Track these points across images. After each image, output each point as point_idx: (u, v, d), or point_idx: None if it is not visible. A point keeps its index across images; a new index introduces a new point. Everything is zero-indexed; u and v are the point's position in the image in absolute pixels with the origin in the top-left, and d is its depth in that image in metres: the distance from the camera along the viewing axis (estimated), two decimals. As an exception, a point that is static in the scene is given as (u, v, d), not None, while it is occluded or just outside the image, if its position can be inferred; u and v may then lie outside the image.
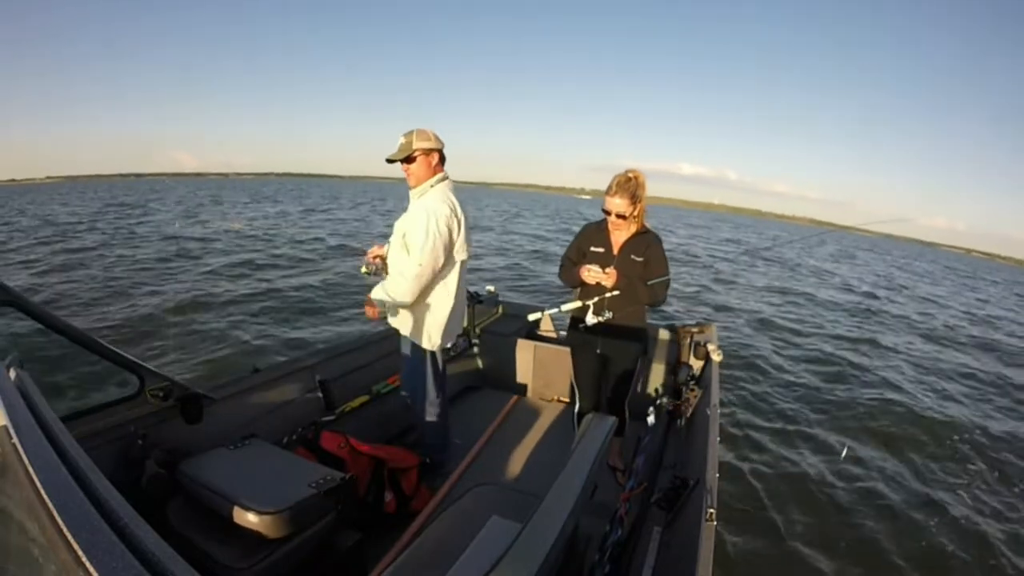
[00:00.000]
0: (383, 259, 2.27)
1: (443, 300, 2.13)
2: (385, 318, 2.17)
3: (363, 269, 2.28)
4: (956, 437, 4.35)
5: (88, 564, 0.49)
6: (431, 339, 2.16)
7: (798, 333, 7.63)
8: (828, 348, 6.92)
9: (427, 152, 2.04)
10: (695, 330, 3.14)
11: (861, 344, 7.37)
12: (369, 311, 2.13)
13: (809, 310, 9.70)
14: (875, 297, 12.72)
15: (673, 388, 2.68)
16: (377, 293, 2.09)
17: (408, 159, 2.03)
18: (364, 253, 2.29)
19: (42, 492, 0.58)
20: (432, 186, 2.08)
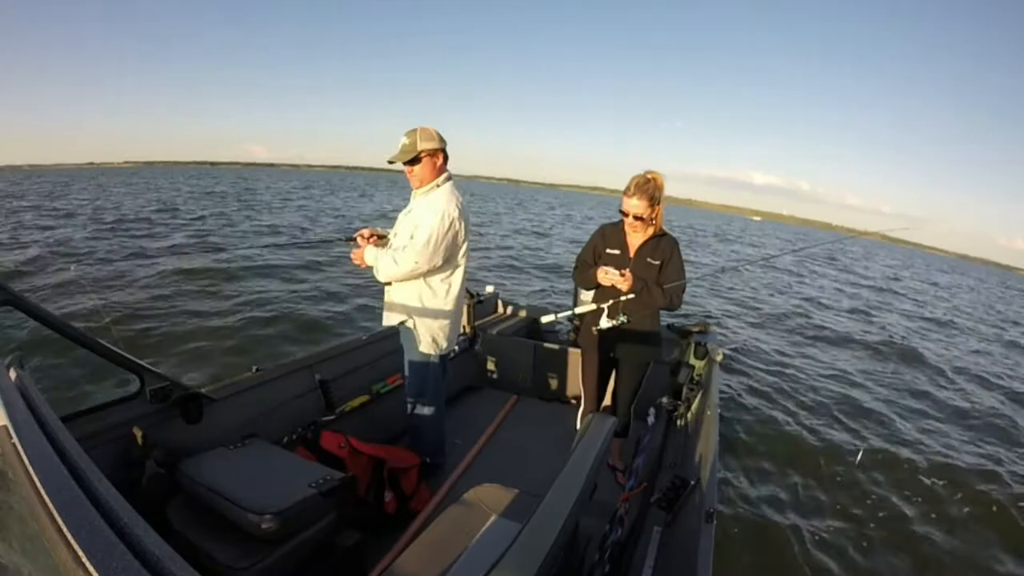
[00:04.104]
0: (378, 236, 2.25)
1: (448, 304, 2.15)
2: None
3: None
4: (989, 447, 4.30)
5: (88, 564, 0.49)
6: (438, 344, 2.18)
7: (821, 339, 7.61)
8: (839, 349, 6.91)
9: (432, 153, 2.01)
10: (696, 330, 3.14)
11: (878, 349, 7.34)
12: (357, 258, 2.17)
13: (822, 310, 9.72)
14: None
15: (673, 388, 2.68)
16: (370, 256, 2.12)
17: (413, 161, 2.00)
18: (351, 240, 2.25)
19: (42, 492, 0.58)
20: (438, 186, 2.06)
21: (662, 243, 2.15)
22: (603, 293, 2.19)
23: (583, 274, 2.25)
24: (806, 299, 11.19)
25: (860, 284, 16.07)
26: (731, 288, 11.02)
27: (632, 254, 2.16)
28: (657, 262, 2.13)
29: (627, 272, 2.07)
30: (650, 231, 2.15)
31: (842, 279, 16.67)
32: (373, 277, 2.18)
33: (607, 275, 2.09)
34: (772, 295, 11.06)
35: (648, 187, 2.05)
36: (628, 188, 2.08)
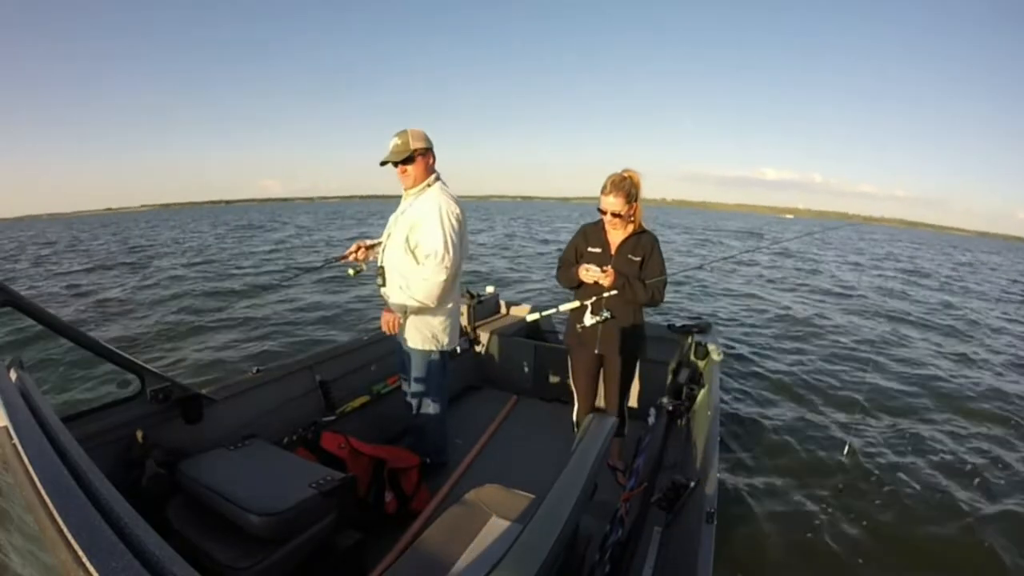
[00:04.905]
0: (366, 248, 2.25)
1: (451, 301, 2.16)
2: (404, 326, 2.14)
3: (351, 272, 2.24)
4: (977, 433, 4.30)
5: (88, 564, 0.49)
6: (439, 341, 2.18)
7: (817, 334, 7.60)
8: (840, 348, 6.89)
9: (424, 152, 2.04)
10: (696, 329, 3.14)
11: (873, 343, 7.34)
12: (390, 320, 2.11)
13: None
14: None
15: (673, 388, 2.68)
16: (398, 298, 2.08)
17: (407, 160, 2.02)
18: (343, 258, 2.25)
19: (42, 492, 0.58)
20: (429, 185, 2.08)
21: (642, 240, 2.19)
22: (586, 291, 2.21)
23: (565, 273, 2.28)
24: (816, 292, 11.19)
25: (882, 269, 16.11)
26: (743, 284, 11.07)
27: (613, 251, 2.19)
28: (638, 258, 2.16)
29: (608, 268, 2.10)
30: (630, 228, 2.18)
31: (857, 265, 16.67)
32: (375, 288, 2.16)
33: (588, 272, 2.12)
34: (777, 289, 11.05)
35: (624, 184, 2.08)
36: (605, 186, 2.11)
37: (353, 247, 2.25)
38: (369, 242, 2.27)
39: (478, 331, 3.41)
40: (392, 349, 2.43)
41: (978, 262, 24.55)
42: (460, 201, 2.11)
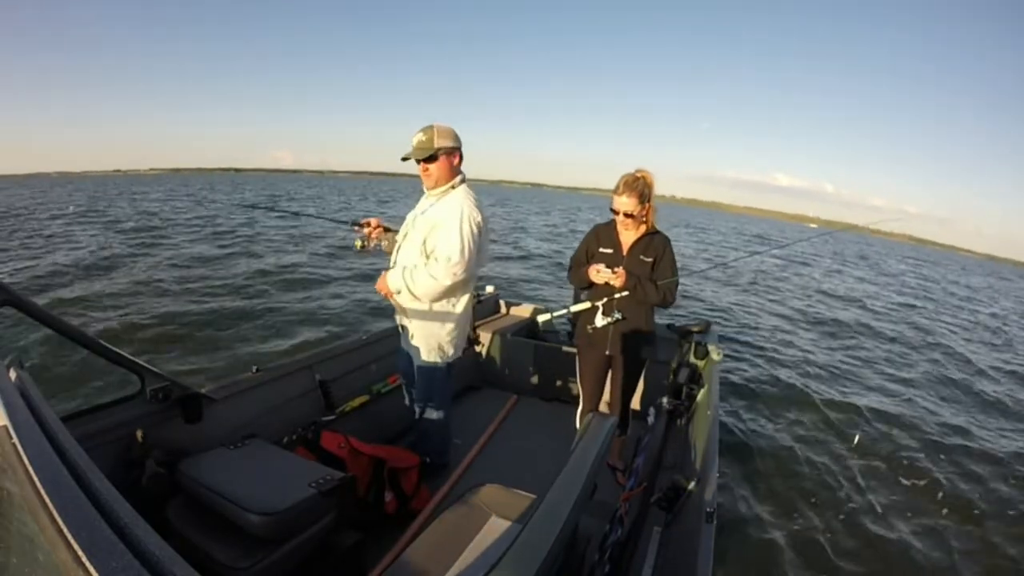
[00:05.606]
0: (384, 229, 2.21)
1: (459, 308, 2.12)
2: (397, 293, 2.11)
3: (358, 243, 2.21)
4: (975, 443, 4.30)
5: (88, 564, 0.48)
6: (444, 351, 2.14)
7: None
8: (837, 348, 6.91)
9: (449, 152, 1.95)
10: (696, 329, 3.14)
11: (874, 344, 7.36)
12: (383, 289, 2.09)
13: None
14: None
15: (673, 388, 2.68)
16: (395, 281, 2.02)
17: (430, 158, 1.93)
18: (360, 226, 2.22)
19: (42, 492, 0.58)
20: (454, 187, 2.01)
21: (655, 241, 2.18)
22: (598, 291, 2.20)
23: (576, 273, 2.26)
24: (826, 299, 11.21)
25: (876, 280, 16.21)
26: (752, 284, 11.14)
27: (625, 252, 2.18)
28: (650, 259, 2.15)
29: (620, 269, 2.09)
30: (642, 229, 2.17)
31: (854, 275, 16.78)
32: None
33: (599, 273, 2.11)
34: (783, 293, 11.06)
35: (637, 185, 2.07)
36: (618, 187, 2.09)
37: (374, 221, 2.20)
38: (387, 225, 2.22)
39: (478, 331, 3.41)
40: (392, 349, 2.43)
41: (987, 286, 24.71)
42: (481, 204, 2.02)
